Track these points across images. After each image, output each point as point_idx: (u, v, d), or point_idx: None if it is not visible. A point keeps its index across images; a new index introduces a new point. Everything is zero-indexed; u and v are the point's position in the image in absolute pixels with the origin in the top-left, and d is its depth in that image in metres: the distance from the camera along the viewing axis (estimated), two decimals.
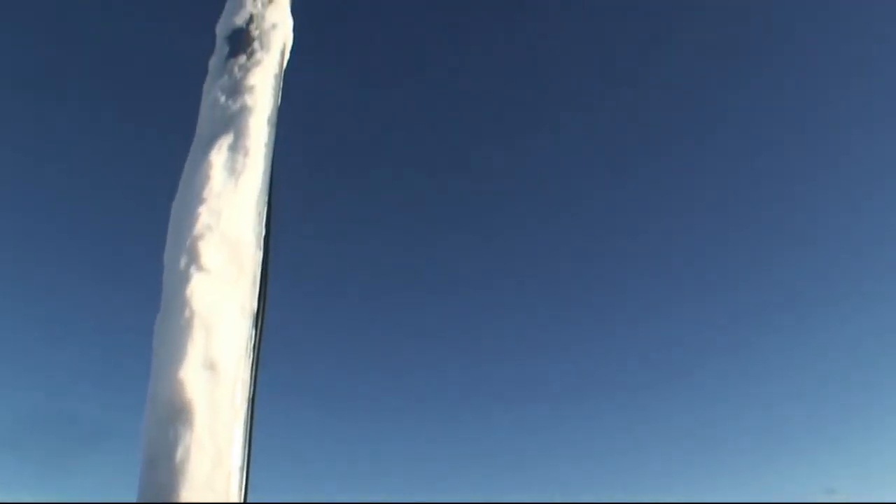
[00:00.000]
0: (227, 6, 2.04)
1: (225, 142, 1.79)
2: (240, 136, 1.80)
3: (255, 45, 1.95)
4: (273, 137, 1.91)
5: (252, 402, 1.75)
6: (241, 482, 1.62)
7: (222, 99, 1.86)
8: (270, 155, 1.88)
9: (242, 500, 1.64)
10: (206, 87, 1.92)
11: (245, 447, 1.66)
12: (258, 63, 1.92)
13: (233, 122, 1.82)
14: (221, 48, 1.97)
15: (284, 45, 2.03)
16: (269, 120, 1.88)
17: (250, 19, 1.99)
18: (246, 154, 1.78)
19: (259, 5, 2.01)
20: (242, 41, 1.96)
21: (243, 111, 1.83)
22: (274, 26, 1.99)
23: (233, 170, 1.76)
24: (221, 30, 2.01)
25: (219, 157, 1.76)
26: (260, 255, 1.78)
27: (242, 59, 1.92)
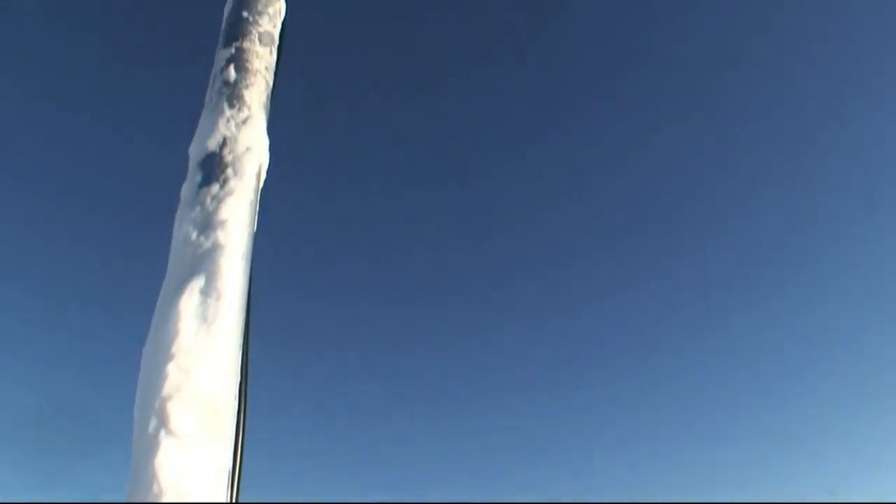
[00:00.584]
0: (200, 128, 1.94)
1: (196, 285, 1.68)
2: (212, 278, 1.69)
3: (229, 171, 1.84)
4: (248, 271, 1.80)
5: None
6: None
7: (193, 235, 1.75)
8: (246, 293, 1.77)
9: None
10: (177, 218, 1.82)
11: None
12: (231, 192, 1.81)
13: (204, 261, 1.71)
14: (193, 175, 1.86)
15: (260, 168, 1.92)
16: (243, 255, 1.78)
17: (223, 142, 1.89)
18: (219, 298, 1.67)
19: (233, 127, 1.91)
20: (215, 167, 1.85)
21: (215, 249, 1.72)
22: (248, 149, 1.89)
23: (204, 318, 1.65)
24: (194, 154, 1.90)
25: (189, 303, 1.65)
26: (236, 404, 1.67)
27: (215, 188, 1.82)
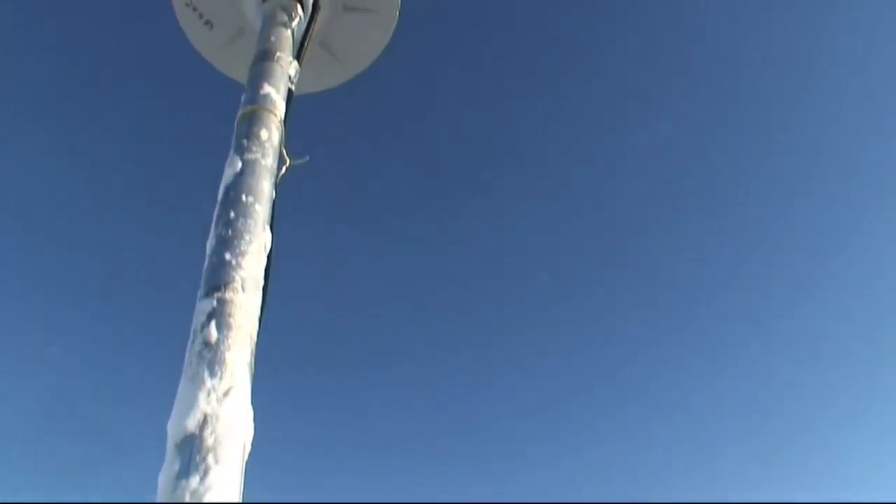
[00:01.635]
0: (178, 400, 1.79)
1: None
2: None
3: (210, 459, 1.70)
4: None
5: None
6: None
7: None
8: None
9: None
10: None
11: None
12: (211, 488, 1.67)
13: None
14: (172, 461, 1.72)
15: (244, 446, 1.79)
16: None
17: (204, 421, 1.75)
18: None
19: (214, 402, 1.77)
20: (195, 453, 1.71)
21: None
22: (231, 428, 1.75)
23: None
24: (172, 432, 1.76)
25: None
26: None
27: (195, 481, 1.68)
